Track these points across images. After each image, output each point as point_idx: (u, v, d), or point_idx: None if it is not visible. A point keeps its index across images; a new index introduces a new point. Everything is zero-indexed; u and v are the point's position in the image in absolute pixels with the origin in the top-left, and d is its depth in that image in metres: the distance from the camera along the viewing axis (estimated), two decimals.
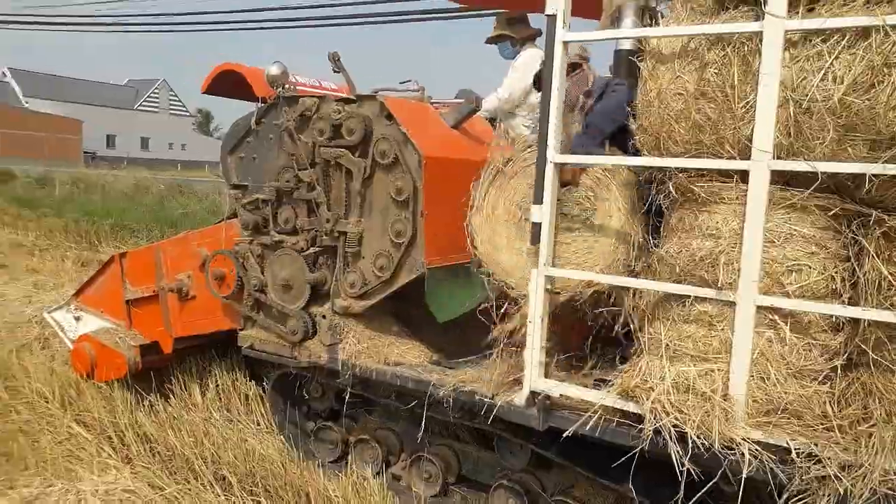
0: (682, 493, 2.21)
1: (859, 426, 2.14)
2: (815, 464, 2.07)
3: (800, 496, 2.09)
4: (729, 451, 2.15)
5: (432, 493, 3.47)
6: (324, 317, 3.45)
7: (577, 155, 2.69)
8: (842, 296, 2.18)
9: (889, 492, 1.99)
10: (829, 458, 2.05)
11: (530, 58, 4.41)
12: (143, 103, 60.46)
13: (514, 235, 2.86)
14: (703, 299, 2.27)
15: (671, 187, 2.36)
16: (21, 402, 4.37)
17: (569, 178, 2.70)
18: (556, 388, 2.60)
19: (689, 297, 2.30)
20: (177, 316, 4.12)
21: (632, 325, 2.52)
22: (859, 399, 2.20)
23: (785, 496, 2.11)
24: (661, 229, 2.51)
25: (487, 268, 2.87)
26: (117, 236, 11.30)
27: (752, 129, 2.12)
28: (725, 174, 2.26)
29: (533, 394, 2.65)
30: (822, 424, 2.17)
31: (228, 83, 4.18)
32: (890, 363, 2.10)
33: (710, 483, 2.19)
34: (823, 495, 2.06)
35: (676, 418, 2.24)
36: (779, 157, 2.14)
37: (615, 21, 2.88)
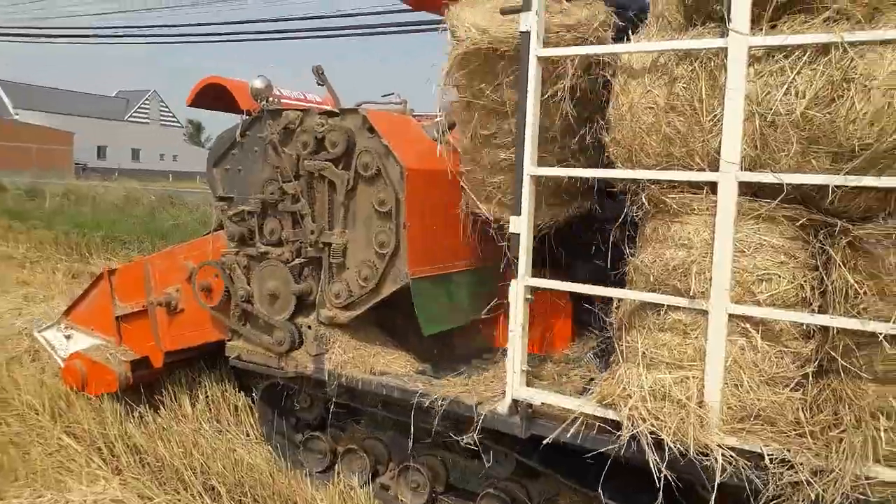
0: (660, 499, 2.25)
1: (830, 432, 2.18)
2: (788, 469, 2.11)
3: (774, 501, 2.13)
4: (704, 458, 2.19)
5: (420, 502, 3.49)
6: (310, 327, 3.47)
7: (554, 168, 2.74)
8: (811, 304, 2.22)
9: (860, 496, 2.04)
10: (801, 464, 2.09)
11: None
12: (134, 114, 60.10)
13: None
14: (677, 308, 2.31)
15: (644, 199, 2.41)
16: (11, 413, 4.39)
17: None
18: (538, 395, 2.64)
19: (663, 305, 2.34)
20: (166, 330, 4.14)
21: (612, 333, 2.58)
22: (830, 405, 2.24)
23: (761, 502, 2.14)
24: (637, 239, 2.56)
25: None
26: (108, 248, 11.28)
27: (720, 142, 2.17)
28: (696, 185, 2.31)
29: (515, 402, 2.69)
30: (794, 430, 2.20)
31: (214, 96, 4.22)
32: (858, 370, 2.14)
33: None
34: (797, 500, 2.09)
35: (653, 425, 2.27)
36: (746, 169, 2.19)
37: None
